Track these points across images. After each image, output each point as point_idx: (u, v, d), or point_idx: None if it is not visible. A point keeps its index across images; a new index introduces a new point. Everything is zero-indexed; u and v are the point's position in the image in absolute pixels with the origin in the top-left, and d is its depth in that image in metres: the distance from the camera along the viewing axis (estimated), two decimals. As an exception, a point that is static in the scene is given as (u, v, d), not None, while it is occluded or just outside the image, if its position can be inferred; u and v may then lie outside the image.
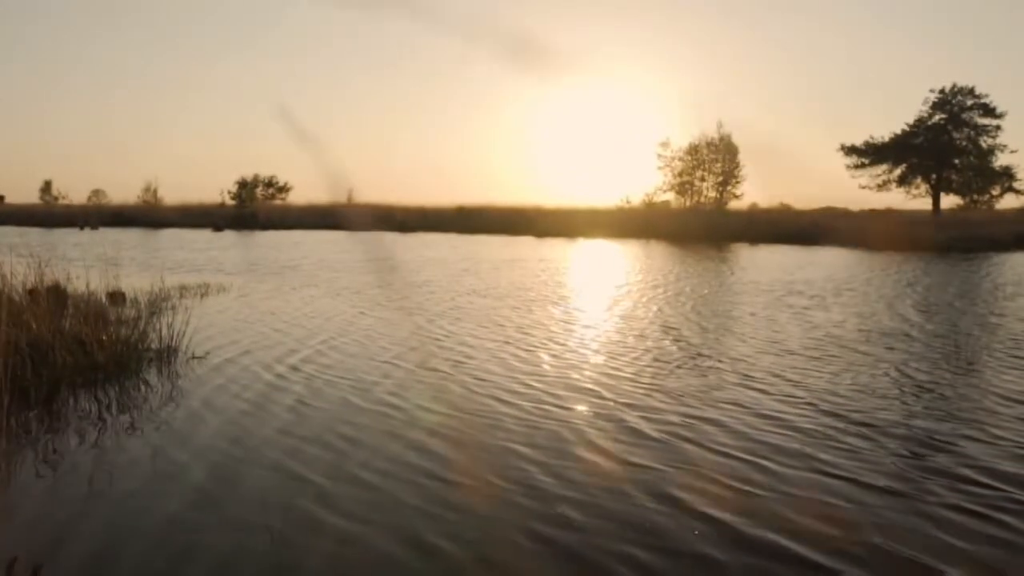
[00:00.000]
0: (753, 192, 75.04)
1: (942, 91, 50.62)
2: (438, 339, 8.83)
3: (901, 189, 52.38)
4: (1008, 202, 50.93)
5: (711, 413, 5.67)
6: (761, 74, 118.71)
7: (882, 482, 4.24)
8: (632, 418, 5.51)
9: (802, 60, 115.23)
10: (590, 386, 6.53)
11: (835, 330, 9.66)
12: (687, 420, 5.47)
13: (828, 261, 23.05)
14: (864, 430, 5.23)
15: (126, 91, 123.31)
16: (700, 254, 25.92)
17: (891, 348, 8.48)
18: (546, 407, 5.80)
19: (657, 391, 6.33)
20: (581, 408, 5.80)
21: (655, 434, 5.14)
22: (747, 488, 4.15)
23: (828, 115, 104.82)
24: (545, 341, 8.77)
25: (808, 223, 37.21)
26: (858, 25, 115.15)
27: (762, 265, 21.24)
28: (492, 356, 7.85)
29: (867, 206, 51.41)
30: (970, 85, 49.92)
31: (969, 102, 49.97)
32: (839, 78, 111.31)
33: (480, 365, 7.37)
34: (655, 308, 11.87)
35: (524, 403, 5.92)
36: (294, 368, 7.07)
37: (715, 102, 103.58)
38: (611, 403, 5.95)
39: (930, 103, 50.97)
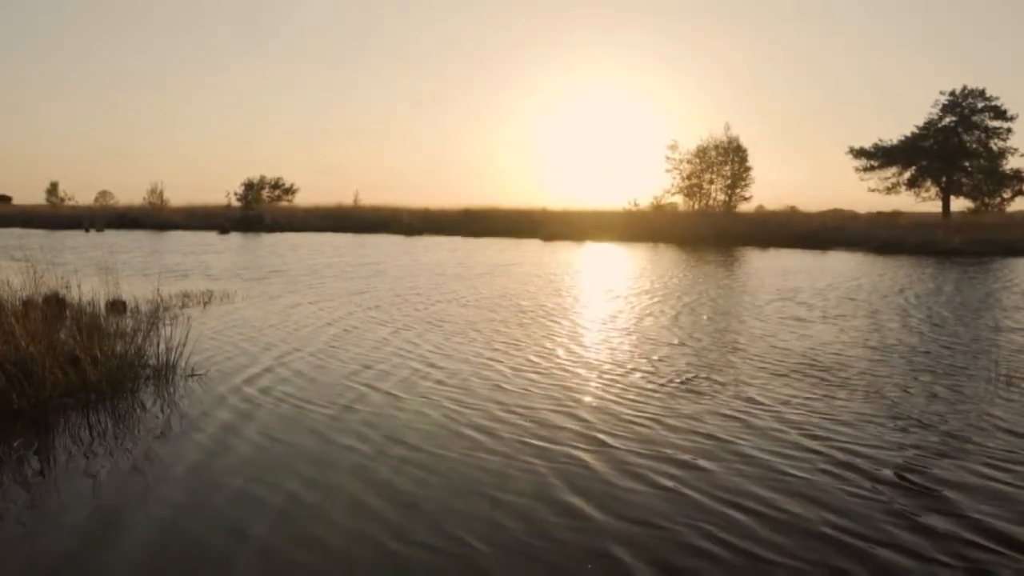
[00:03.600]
0: (760, 194, 74.75)
1: (952, 93, 50.10)
2: (414, 355, 8.35)
3: (910, 192, 51.96)
4: (1019, 205, 50.50)
5: (700, 449, 5.17)
6: (767, 76, 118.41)
7: (885, 540, 3.74)
8: (615, 455, 5.02)
9: (808, 62, 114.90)
10: (572, 413, 6.03)
11: (837, 348, 9.04)
12: (674, 458, 4.97)
13: (836, 267, 22.62)
14: (865, 472, 4.72)
15: (131, 92, 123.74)
16: (707, 259, 25.50)
17: (896, 369, 7.88)
18: (524, 440, 5.31)
19: (642, 421, 5.81)
20: (561, 442, 5.28)
21: (640, 476, 4.64)
22: (742, 548, 3.66)
23: (834, 117, 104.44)
24: (527, 358, 8.28)
25: (817, 226, 36.82)
26: (865, 28, 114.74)
27: (769, 271, 20.78)
28: (470, 375, 7.37)
29: (874, 208, 51.11)
30: (981, 87, 49.49)
31: (980, 104, 49.41)
32: (846, 81, 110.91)
33: (457, 387, 6.89)
34: (651, 321, 11.31)
35: (502, 435, 5.40)
36: (261, 391, 6.61)
37: (722, 104, 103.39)
38: (593, 436, 5.43)
39: (940, 105, 50.49)
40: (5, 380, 5.76)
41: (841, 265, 23.43)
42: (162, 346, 7.25)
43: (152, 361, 7.16)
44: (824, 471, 4.75)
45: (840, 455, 5.05)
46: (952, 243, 30.21)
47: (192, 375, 7.14)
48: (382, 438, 5.37)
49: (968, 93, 49.66)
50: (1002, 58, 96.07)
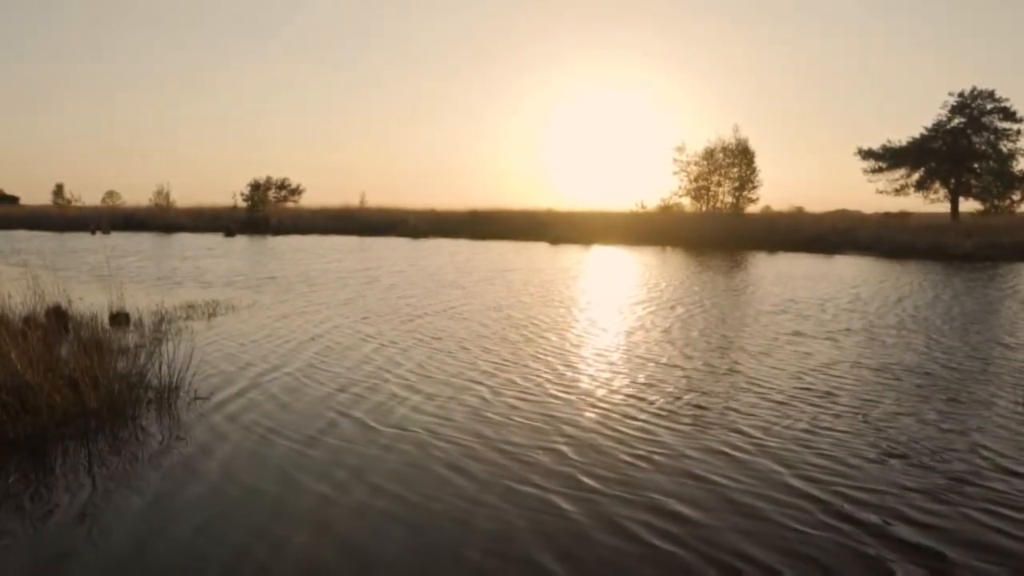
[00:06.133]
0: (766, 194, 74.44)
1: (961, 94, 49.81)
2: (393, 376, 8.07)
3: (919, 194, 51.65)
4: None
5: (685, 493, 4.81)
6: (772, 75, 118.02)
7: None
8: (593, 500, 4.69)
9: (814, 61, 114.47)
10: (551, 447, 5.73)
11: (837, 370, 8.58)
12: (656, 505, 4.63)
13: (843, 274, 22.26)
14: (863, 524, 4.35)
15: (136, 92, 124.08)
16: (712, 265, 25.18)
17: (900, 395, 7.45)
18: (497, 480, 5.03)
19: (624, 458, 5.50)
20: (536, 483, 4.97)
21: (618, 528, 4.30)
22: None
23: (839, 117, 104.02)
24: (511, 379, 7.99)
25: (827, 229, 36.50)
26: (871, 27, 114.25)
27: (773, 278, 20.45)
28: (449, 400, 7.06)
29: (881, 208, 50.80)
30: (990, 88, 49.13)
31: (989, 106, 49.11)
32: (852, 80, 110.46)
33: (434, 414, 6.60)
34: (644, 336, 10.92)
35: (474, 472, 5.18)
36: (236, 418, 6.42)
37: (727, 103, 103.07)
38: (571, 475, 5.14)
39: (949, 106, 50.17)
40: (0, 409, 5.62)
41: (849, 271, 23.13)
42: (160, 366, 7.14)
43: (153, 382, 7.02)
44: (821, 524, 4.39)
45: (837, 502, 4.70)
46: (963, 247, 29.84)
47: (196, 398, 6.99)
48: (347, 476, 5.12)
49: (977, 94, 49.36)
50: (1012, 59, 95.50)
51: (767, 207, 49.19)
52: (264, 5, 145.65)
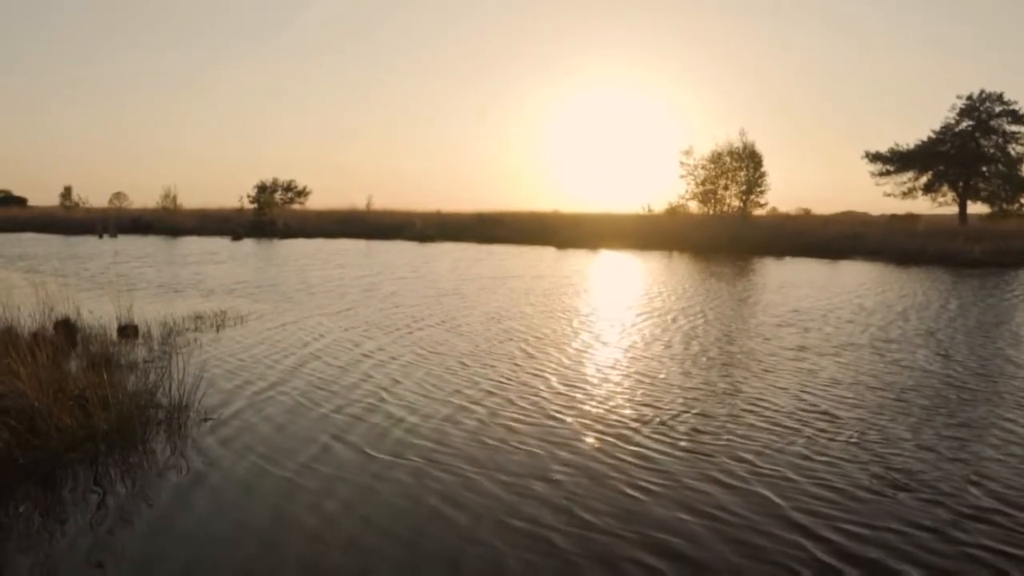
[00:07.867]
0: (772, 195, 74.17)
1: (970, 97, 49.48)
2: (381, 399, 7.82)
3: (927, 197, 51.41)
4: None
5: (670, 548, 4.49)
6: (779, 76, 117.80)
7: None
8: (587, 537, 4.57)
9: (823, 64, 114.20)
10: (545, 475, 5.62)
11: (840, 391, 8.32)
12: (651, 542, 4.50)
13: (851, 282, 21.95)
14: (860, 562, 4.19)
15: (143, 93, 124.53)
16: (719, 272, 24.93)
17: (904, 419, 7.19)
18: (490, 514, 4.92)
19: (621, 488, 5.39)
20: (530, 517, 4.87)
21: (612, 564, 4.20)
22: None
23: (845, 118, 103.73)
24: (510, 397, 7.92)
25: (835, 234, 36.32)
26: (878, 29, 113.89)
27: (780, 286, 20.22)
28: (445, 423, 6.94)
29: (888, 210, 50.51)
30: (999, 91, 48.83)
31: (998, 108, 48.75)
32: (858, 82, 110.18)
33: (430, 439, 6.46)
34: (645, 351, 10.65)
35: (466, 504, 5.07)
36: (233, 442, 6.33)
37: (733, 103, 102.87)
38: (566, 507, 5.04)
39: (957, 109, 49.88)
40: (9, 434, 5.60)
41: (856, 279, 22.90)
42: (169, 385, 7.11)
43: (162, 401, 7.00)
44: (819, 562, 4.25)
45: (837, 539, 4.54)
46: (972, 253, 29.61)
47: (205, 419, 6.95)
48: (338, 507, 5.05)
49: (986, 97, 49.02)
50: (1022, 61, 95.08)
51: (773, 209, 49.03)
52: (269, 6, 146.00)
